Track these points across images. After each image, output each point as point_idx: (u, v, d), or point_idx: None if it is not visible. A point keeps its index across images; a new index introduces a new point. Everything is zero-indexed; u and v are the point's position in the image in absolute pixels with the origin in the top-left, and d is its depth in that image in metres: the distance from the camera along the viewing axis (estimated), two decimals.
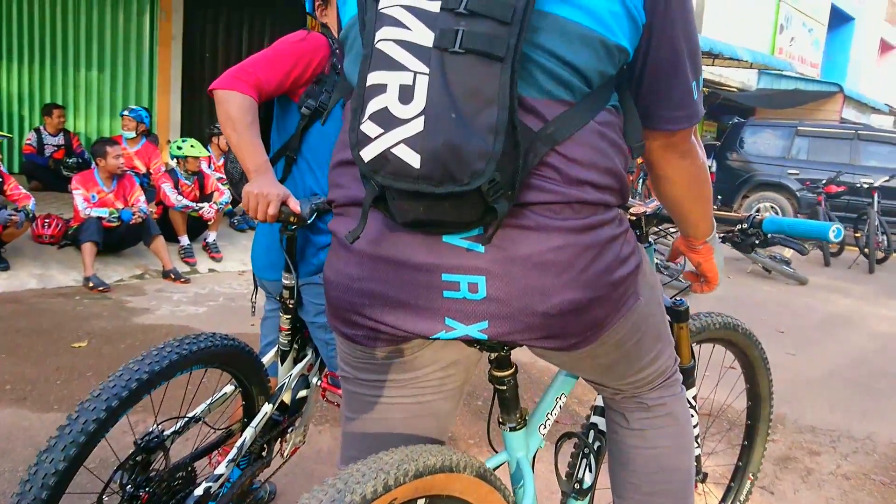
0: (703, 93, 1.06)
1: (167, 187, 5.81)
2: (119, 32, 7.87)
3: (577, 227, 0.93)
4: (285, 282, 1.79)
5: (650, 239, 1.63)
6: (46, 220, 5.37)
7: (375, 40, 0.86)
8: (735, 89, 15.48)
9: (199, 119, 8.48)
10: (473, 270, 0.92)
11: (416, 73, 0.83)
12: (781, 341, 4.78)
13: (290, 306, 1.81)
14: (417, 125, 0.82)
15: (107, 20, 7.76)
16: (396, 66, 0.84)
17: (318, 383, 1.98)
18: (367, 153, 0.86)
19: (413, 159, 0.83)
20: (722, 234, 1.59)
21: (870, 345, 4.99)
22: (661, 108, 1.03)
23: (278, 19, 9.01)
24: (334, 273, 1.03)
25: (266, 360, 1.92)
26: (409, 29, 0.84)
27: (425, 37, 0.83)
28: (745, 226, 1.51)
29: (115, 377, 1.36)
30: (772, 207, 10.85)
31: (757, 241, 1.52)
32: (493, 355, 1.13)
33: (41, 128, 7.09)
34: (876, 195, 8.72)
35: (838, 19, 19.52)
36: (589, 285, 0.94)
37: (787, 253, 7.87)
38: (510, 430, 1.21)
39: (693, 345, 1.75)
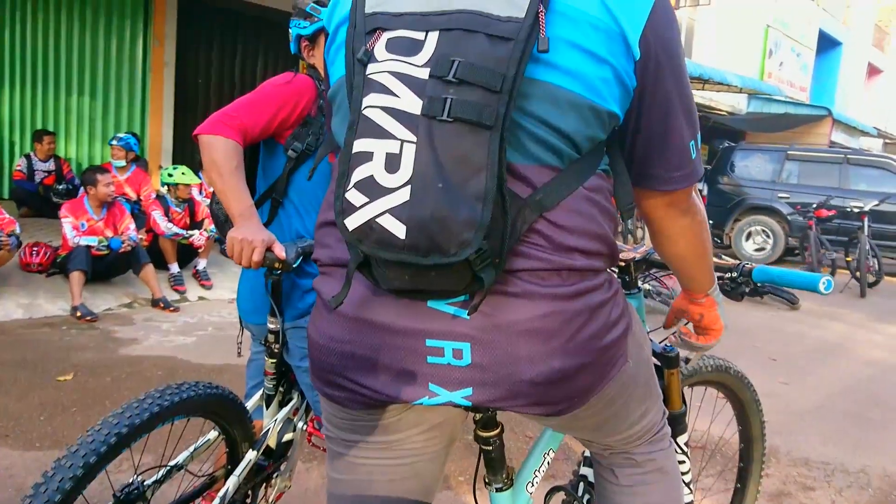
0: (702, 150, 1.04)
1: (157, 215, 5.78)
2: (112, 59, 7.88)
3: (565, 294, 0.91)
4: (270, 326, 1.77)
5: (639, 285, 1.61)
6: (35, 249, 5.32)
7: (363, 106, 0.85)
8: (725, 113, 15.64)
9: (191, 145, 8.45)
10: (458, 337, 0.91)
11: (403, 141, 0.82)
12: (774, 370, 4.76)
13: (276, 350, 1.78)
14: (403, 195, 0.81)
15: (100, 46, 7.78)
16: (383, 133, 0.83)
17: (304, 427, 1.95)
18: (352, 222, 0.84)
19: (398, 230, 0.81)
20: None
21: (862, 372, 4.98)
22: (659, 168, 1.02)
23: (271, 45, 9.06)
24: (317, 334, 1.01)
25: (251, 403, 1.89)
26: (397, 96, 0.83)
27: (413, 104, 0.82)
28: (734, 274, 1.50)
29: (94, 431, 1.32)
30: (763, 231, 10.89)
31: (747, 290, 1.51)
32: (479, 415, 1.11)
33: (31, 154, 7.07)
34: (866, 219, 8.77)
35: (826, 44, 19.80)
36: (577, 353, 0.92)
37: None
38: (496, 491, 1.18)
39: (685, 388, 1.74)
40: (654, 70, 0.94)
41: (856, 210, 9.02)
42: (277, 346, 1.78)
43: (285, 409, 1.89)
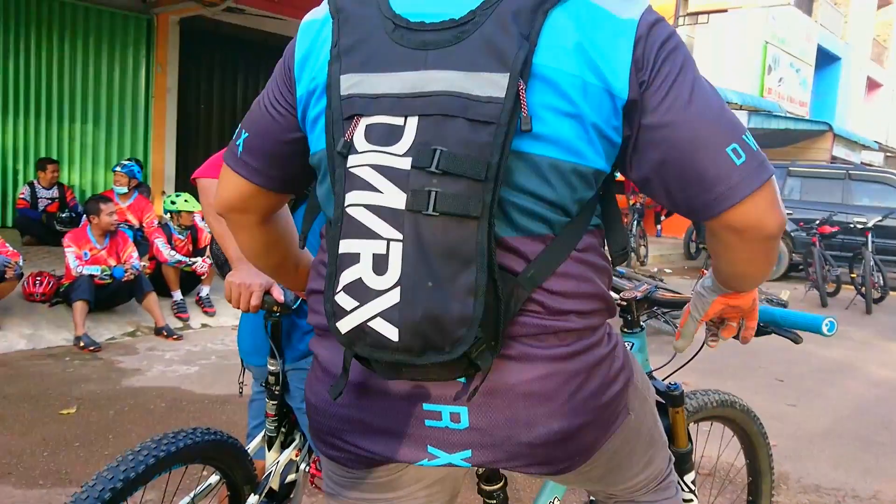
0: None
1: (160, 242, 5.79)
2: (115, 86, 7.95)
3: (562, 354, 0.90)
4: (271, 368, 1.75)
5: (642, 323, 1.60)
6: (38, 278, 5.33)
7: (345, 203, 0.83)
8: None
9: (194, 170, 8.50)
10: (455, 400, 0.90)
11: (389, 240, 0.80)
12: (781, 391, 4.72)
13: (276, 392, 1.77)
14: (393, 297, 0.80)
15: (103, 74, 7.84)
16: (368, 233, 0.81)
17: (307, 469, 1.93)
18: (344, 325, 0.83)
19: (391, 333, 0.80)
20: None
21: (870, 393, 4.93)
22: (702, 194, 0.88)
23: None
24: (314, 396, 1.00)
25: (253, 444, 1.87)
26: (380, 192, 0.81)
27: (397, 199, 0.80)
28: None
29: (88, 488, 1.31)
30: None
31: None
32: (482, 469, 1.10)
33: (35, 182, 7.11)
34: (870, 235, 8.74)
35: (825, 59, 19.89)
36: (577, 413, 0.91)
37: (784, 295, 7.85)
38: None
39: (690, 425, 1.72)
40: (655, 96, 0.87)
41: (859, 226, 9.00)
42: (278, 388, 1.76)
43: (287, 451, 1.87)
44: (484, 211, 0.79)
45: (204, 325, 5.79)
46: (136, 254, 5.47)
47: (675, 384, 1.61)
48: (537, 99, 0.84)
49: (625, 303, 1.58)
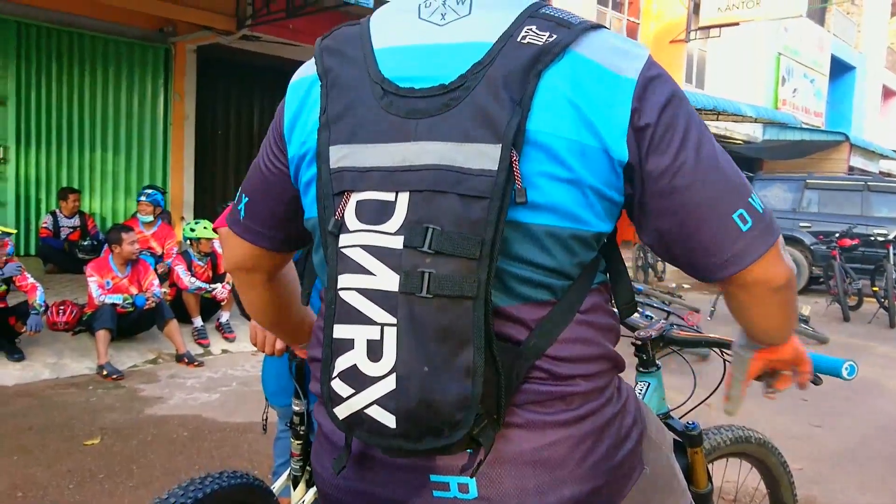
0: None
1: (180, 269, 5.85)
2: (134, 115, 8.08)
3: (570, 419, 0.87)
4: (295, 408, 1.77)
5: (657, 362, 1.60)
6: (61, 308, 5.39)
7: (338, 286, 0.82)
8: (741, 142, 15.61)
9: (212, 196, 8.61)
10: (462, 472, 0.87)
11: (383, 325, 0.79)
12: (805, 411, 4.66)
13: (302, 433, 1.79)
14: (389, 384, 0.79)
15: (122, 103, 7.98)
16: (362, 319, 0.80)
17: None
18: (341, 412, 0.82)
19: (388, 420, 0.79)
20: (731, 359, 1.57)
21: None
22: (704, 257, 0.87)
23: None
24: (320, 466, 0.98)
25: (279, 483, 1.89)
26: (372, 274, 0.80)
27: (390, 281, 0.78)
28: None
29: None
30: None
31: None
32: None
33: (57, 211, 7.22)
34: (891, 248, 8.64)
35: (839, 69, 19.78)
36: (589, 477, 0.88)
37: (806, 310, 7.77)
38: None
39: (708, 465, 1.71)
40: (659, 162, 0.84)
41: (880, 238, 8.91)
42: (303, 428, 1.78)
43: (313, 490, 1.88)
44: (479, 290, 0.77)
45: (224, 351, 5.83)
46: (156, 281, 5.53)
47: (693, 423, 1.60)
48: (532, 167, 0.81)
49: (640, 342, 1.58)
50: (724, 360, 1.60)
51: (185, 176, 8.39)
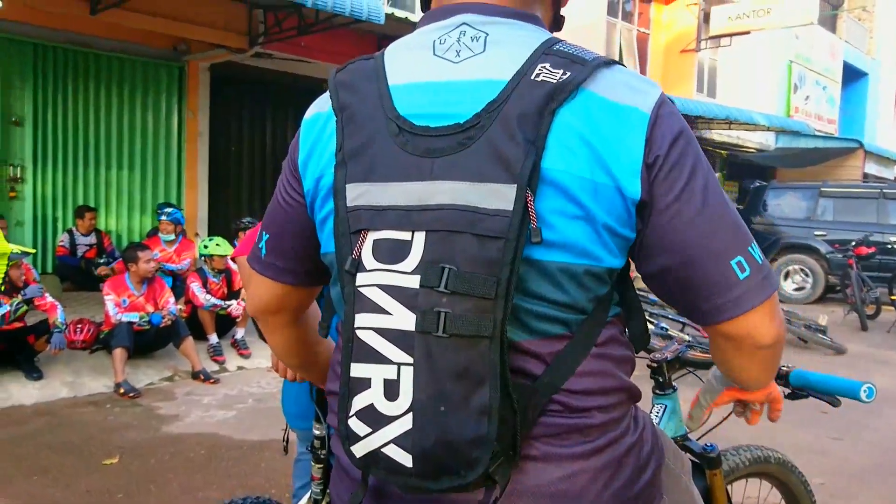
0: (761, 262, 0.88)
1: (196, 286, 5.89)
2: (149, 132, 8.16)
3: (587, 451, 0.87)
4: (316, 432, 1.77)
5: (674, 384, 1.59)
6: (78, 326, 5.44)
7: (355, 325, 0.83)
8: (754, 150, 15.55)
9: (226, 212, 8.66)
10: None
11: (399, 364, 0.80)
12: (825, 424, 4.60)
13: (322, 456, 1.78)
14: (406, 423, 0.80)
15: (137, 121, 8.06)
16: (379, 358, 0.81)
17: None
18: (358, 450, 0.83)
19: (405, 459, 0.80)
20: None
21: None
22: (698, 300, 0.88)
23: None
24: (338, 497, 0.98)
25: None
26: (389, 314, 0.80)
27: (407, 320, 0.79)
28: None
29: None
30: (801, 270, 10.69)
31: (785, 394, 1.48)
32: None
33: (73, 229, 7.29)
34: None
35: (852, 75, 19.68)
36: None
37: (822, 320, 7.69)
38: None
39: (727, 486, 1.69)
40: (666, 198, 0.84)
41: None
42: (324, 451, 1.77)
43: None
44: (495, 330, 0.77)
45: (240, 368, 5.85)
46: (172, 299, 5.57)
47: (711, 445, 1.59)
48: (546, 205, 0.81)
49: (655, 364, 1.57)
50: None
51: (199, 192, 8.45)
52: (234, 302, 6.02)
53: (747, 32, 13.48)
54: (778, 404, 1.25)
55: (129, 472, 3.60)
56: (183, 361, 5.53)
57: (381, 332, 0.81)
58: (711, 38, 13.65)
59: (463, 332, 0.77)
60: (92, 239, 7.35)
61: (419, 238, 0.80)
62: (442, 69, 0.87)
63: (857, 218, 10.48)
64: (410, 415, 0.79)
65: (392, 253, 0.81)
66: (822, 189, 11.05)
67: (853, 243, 9.29)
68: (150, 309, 5.41)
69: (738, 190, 16.51)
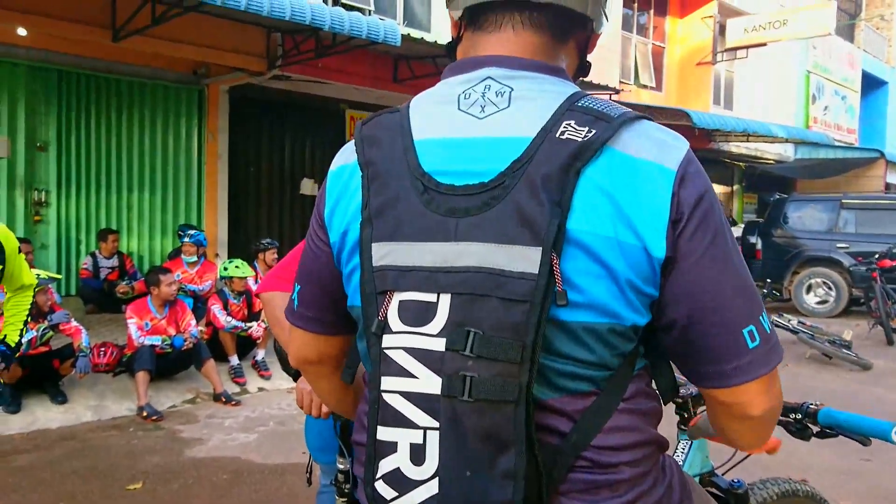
0: (771, 323, 0.90)
1: (216, 308, 5.94)
2: (169, 155, 8.27)
3: None
4: (340, 466, 1.77)
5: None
6: (102, 349, 5.50)
7: (381, 387, 0.83)
8: (772, 161, 15.43)
9: (245, 233, 8.74)
10: None
11: (425, 429, 0.81)
12: (854, 445, 4.49)
13: (346, 490, 1.78)
14: (432, 488, 0.80)
15: (158, 144, 8.17)
16: (405, 422, 0.82)
17: None
18: None
19: None
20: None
21: None
22: (701, 363, 0.87)
23: (317, 131, 9.39)
24: None
25: None
26: (415, 377, 0.81)
27: (433, 384, 0.80)
28: (798, 416, 1.46)
29: None
30: (824, 283, 10.56)
31: (814, 432, 1.47)
32: None
33: (97, 252, 7.39)
34: None
35: (871, 84, 19.52)
36: None
37: (847, 335, 7.58)
38: None
39: None
40: (687, 260, 0.83)
41: None
42: (348, 486, 1.77)
43: None
44: (521, 394, 0.77)
45: (260, 389, 5.88)
46: (193, 321, 5.63)
47: (738, 481, 1.58)
48: (570, 265, 0.80)
49: (681, 400, 1.56)
50: None
51: (219, 213, 8.53)
52: (254, 324, 6.06)
53: (764, 44, 13.42)
54: (774, 451, 1.27)
55: (153, 496, 3.62)
56: (204, 383, 5.57)
57: (407, 395, 0.82)
58: (727, 50, 13.60)
59: (489, 396, 0.78)
60: (114, 261, 7.44)
61: (445, 300, 0.81)
62: (467, 125, 0.87)
63: (880, 230, 10.33)
64: (437, 479, 0.80)
65: (418, 315, 0.82)
66: (844, 201, 10.91)
67: (876, 256, 9.16)
68: (172, 332, 5.46)
69: (756, 202, 16.39)
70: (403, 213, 0.84)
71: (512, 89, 0.88)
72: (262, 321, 6.12)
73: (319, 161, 9.49)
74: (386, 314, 0.83)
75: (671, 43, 13.86)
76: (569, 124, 0.83)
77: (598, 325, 0.82)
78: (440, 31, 9.25)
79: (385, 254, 0.84)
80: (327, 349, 1.06)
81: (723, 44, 13.55)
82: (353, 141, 0.94)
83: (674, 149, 0.85)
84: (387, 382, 0.83)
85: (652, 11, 13.52)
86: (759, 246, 11.24)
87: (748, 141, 13.08)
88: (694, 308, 0.84)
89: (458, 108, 0.89)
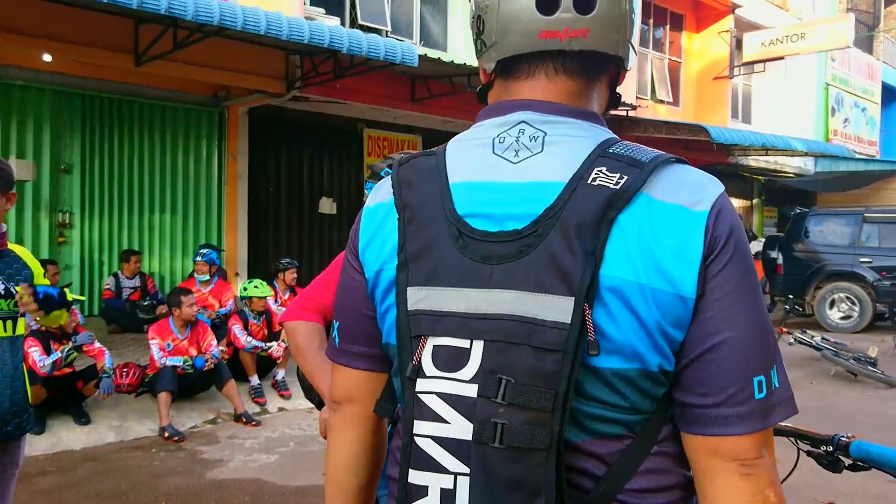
0: (781, 337, 0.84)
1: (237, 329, 5.99)
2: (190, 176, 8.38)
3: None
4: None
5: None
6: (124, 370, 5.56)
7: (413, 431, 0.84)
8: (792, 175, 15.30)
9: (265, 253, 8.81)
10: None
11: (456, 474, 0.81)
12: None
13: None
14: None
15: (179, 166, 8.29)
16: (436, 467, 0.83)
17: None
18: None
19: None
20: (806, 451, 1.52)
21: None
22: (703, 409, 0.83)
23: (335, 150, 9.47)
24: None
25: None
26: (447, 422, 0.82)
27: (464, 430, 0.81)
28: (829, 448, 1.44)
29: None
30: (847, 298, 10.42)
31: (846, 465, 1.45)
32: None
33: (119, 272, 7.49)
34: None
35: (891, 96, 19.32)
36: None
37: (873, 352, 7.46)
38: None
39: None
40: (709, 298, 0.83)
41: None
42: None
43: None
44: (552, 442, 0.78)
45: (281, 409, 5.90)
46: (214, 342, 5.67)
47: None
48: (602, 312, 0.81)
49: None
50: (798, 451, 1.55)
51: (240, 233, 8.61)
52: (274, 343, 6.09)
53: (781, 58, 13.35)
54: None
55: None
56: (225, 403, 5.60)
57: (438, 440, 0.82)
58: (745, 64, 13.55)
59: (520, 443, 0.78)
60: (136, 282, 7.53)
61: (478, 347, 0.82)
62: (501, 169, 0.88)
63: None
64: None
65: (451, 360, 0.83)
66: (866, 215, 10.79)
67: None
68: (194, 352, 5.51)
69: (776, 216, 16.24)
70: (438, 258, 0.85)
71: (545, 133, 0.89)
72: (283, 341, 6.15)
73: (338, 180, 9.57)
74: (420, 358, 0.85)
75: (688, 58, 13.84)
76: (601, 171, 0.84)
77: (627, 371, 0.82)
78: (456, 50, 9.33)
79: (420, 298, 0.86)
80: (370, 386, 1.03)
81: (740, 58, 13.50)
82: (390, 179, 0.95)
83: (708, 188, 0.86)
84: (419, 426, 0.84)
85: (668, 27, 13.52)
86: (780, 261, 11.13)
87: (767, 154, 12.98)
88: (708, 354, 0.82)
89: (493, 152, 0.90)
